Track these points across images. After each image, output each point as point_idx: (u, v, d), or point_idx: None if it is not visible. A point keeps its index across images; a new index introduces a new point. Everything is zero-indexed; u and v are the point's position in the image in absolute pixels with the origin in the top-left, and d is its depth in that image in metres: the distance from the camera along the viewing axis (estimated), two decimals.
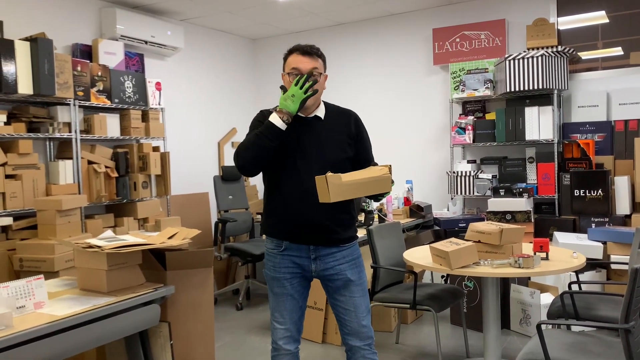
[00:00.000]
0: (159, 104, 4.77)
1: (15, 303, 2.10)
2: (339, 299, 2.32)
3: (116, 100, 4.39)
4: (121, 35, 4.60)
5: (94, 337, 2.18)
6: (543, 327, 2.28)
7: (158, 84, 4.76)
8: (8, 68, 3.52)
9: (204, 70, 5.78)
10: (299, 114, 2.27)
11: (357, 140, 2.36)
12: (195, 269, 2.70)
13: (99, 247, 2.32)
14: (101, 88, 4.28)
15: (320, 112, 2.33)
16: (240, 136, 6.22)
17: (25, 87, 3.62)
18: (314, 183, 2.11)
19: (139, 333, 2.50)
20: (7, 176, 3.64)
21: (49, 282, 2.61)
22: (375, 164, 2.31)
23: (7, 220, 3.61)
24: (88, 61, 4.21)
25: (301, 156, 2.25)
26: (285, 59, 2.31)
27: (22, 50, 3.61)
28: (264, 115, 2.32)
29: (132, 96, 4.53)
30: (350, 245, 2.35)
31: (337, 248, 2.30)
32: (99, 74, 4.27)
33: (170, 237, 2.66)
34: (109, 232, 2.71)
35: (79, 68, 4.09)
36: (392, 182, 2.17)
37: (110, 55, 4.49)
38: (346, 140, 2.32)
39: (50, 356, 2.03)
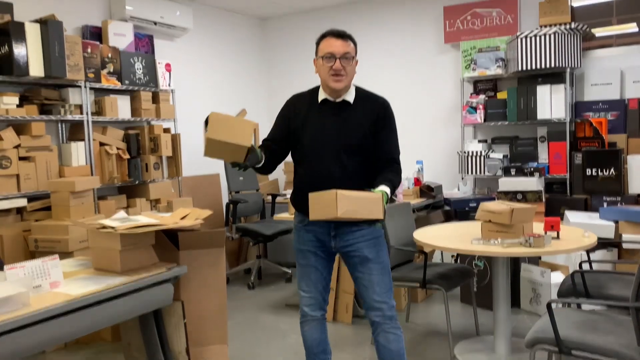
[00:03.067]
0: (169, 85, 4.77)
1: (31, 282, 2.14)
2: (358, 275, 2.43)
3: (126, 82, 4.40)
4: (130, 17, 4.59)
5: (108, 315, 2.22)
6: (553, 305, 2.29)
7: (168, 65, 4.76)
8: (19, 50, 3.54)
9: (213, 51, 5.76)
10: (328, 97, 2.38)
11: (378, 129, 2.38)
12: (208, 249, 2.74)
13: (113, 227, 2.35)
14: (111, 70, 4.28)
15: (350, 96, 2.41)
16: (250, 116, 6.21)
17: (36, 69, 3.64)
18: (333, 165, 2.31)
19: (153, 312, 2.54)
20: (21, 158, 3.68)
21: (64, 262, 2.65)
22: (395, 163, 2.39)
23: (22, 202, 3.66)
24: (98, 43, 4.22)
25: (322, 138, 2.36)
26: (317, 43, 2.39)
27: (33, 33, 3.62)
28: (288, 106, 2.48)
29: (142, 78, 4.53)
30: (370, 226, 2.40)
31: (356, 227, 2.37)
32: (109, 55, 4.27)
33: (182, 218, 2.69)
34: (122, 213, 2.74)
35: (89, 50, 4.09)
36: (385, 211, 2.16)
37: (120, 36, 4.49)
38: (367, 126, 2.36)
39: (66, 334, 2.07)
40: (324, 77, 2.35)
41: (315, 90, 2.47)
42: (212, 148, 2.15)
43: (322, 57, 2.33)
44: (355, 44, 2.39)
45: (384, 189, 2.25)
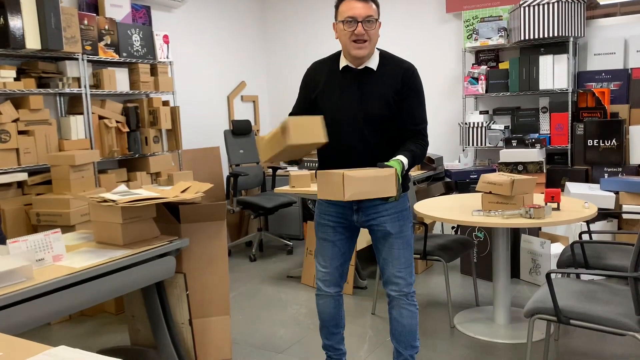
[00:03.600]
0: (167, 58, 4.72)
1: (34, 256, 2.15)
2: (380, 249, 2.38)
3: (124, 54, 4.35)
4: None
5: (112, 288, 2.24)
6: (552, 276, 2.31)
7: (165, 36, 4.70)
8: (15, 23, 3.49)
9: (211, 22, 5.68)
10: (349, 64, 2.24)
11: (402, 97, 2.22)
12: (209, 221, 2.74)
13: (113, 201, 2.36)
14: (109, 42, 4.23)
15: (373, 62, 2.25)
16: (250, 89, 6.17)
17: (33, 41, 3.59)
18: (354, 138, 2.19)
19: (156, 284, 2.57)
20: (20, 132, 3.66)
21: (66, 236, 2.66)
22: (420, 135, 2.24)
23: (22, 176, 3.66)
24: (94, 14, 4.16)
25: (343, 110, 2.23)
26: (337, 6, 2.22)
27: (28, 4, 3.56)
28: (309, 74, 2.39)
29: (140, 50, 4.48)
30: (385, 202, 2.29)
31: (379, 201, 2.25)
32: (106, 27, 4.22)
33: (183, 191, 2.69)
34: (122, 187, 2.74)
35: (85, 22, 4.04)
36: (400, 189, 2.08)
37: (117, 7, 4.42)
38: (391, 95, 2.20)
39: (70, 307, 2.09)
40: (344, 43, 2.19)
41: (336, 56, 2.32)
42: (283, 153, 2.08)
43: (343, 21, 2.16)
44: (377, 4, 2.21)
45: (401, 158, 2.13)
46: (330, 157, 2.28)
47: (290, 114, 2.43)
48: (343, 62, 2.27)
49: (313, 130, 2.05)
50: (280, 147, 2.01)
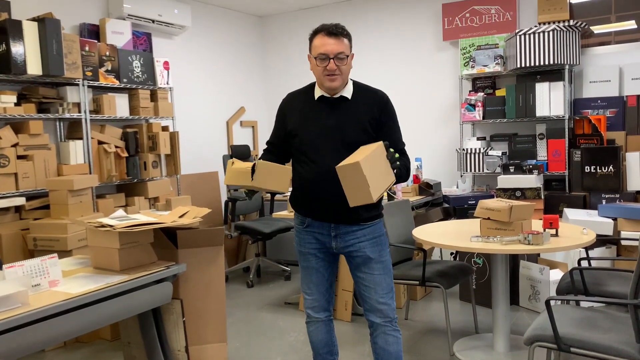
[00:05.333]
0: (167, 84, 4.76)
1: (30, 281, 2.13)
2: (360, 276, 2.38)
3: (124, 80, 4.39)
4: (128, 15, 4.58)
5: (108, 314, 2.22)
6: (552, 302, 2.29)
7: (166, 63, 4.75)
8: (17, 49, 3.53)
9: (211, 49, 5.75)
10: (324, 94, 2.33)
11: (380, 123, 2.31)
12: (206, 247, 2.73)
13: (111, 226, 2.35)
14: (109, 68, 4.28)
15: (347, 92, 2.33)
16: (249, 115, 6.21)
17: (34, 67, 3.63)
18: (333, 163, 2.12)
19: (152, 310, 2.54)
20: (19, 157, 3.67)
21: (63, 261, 2.65)
22: (402, 154, 2.30)
23: (20, 201, 3.66)
24: (96, 41, 4.21)
25: (321, 136, 2.29)
26: (311, 40, 2.31)
27: (30, 31, 3.61)
28: (284, 105, 2.47)
29: (140, 76, 4.52)
30: (371, 224, 2.36)
31: (357, 226, 2.33)
32: (107, 53, 4.26)
33: (181, 216, 2.69)
34: (120, 212, 2.73)
35: (87, 48, 4.08)
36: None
37: (118, 34, 4.48)
38: (367, 121, 2.28)
39: (65, 333, 2.07)
40: (318, 76, 2.30)
41: (311, 87, 2.41)
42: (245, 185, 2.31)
43: (316, 57, 2.26)
44: (349, 39, 2.31)
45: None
46: (311, 182, 2.31)
47: (268, 143, 2.55)
48: (318, 92, 2.35)
49: (279, 178, 2.25)
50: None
